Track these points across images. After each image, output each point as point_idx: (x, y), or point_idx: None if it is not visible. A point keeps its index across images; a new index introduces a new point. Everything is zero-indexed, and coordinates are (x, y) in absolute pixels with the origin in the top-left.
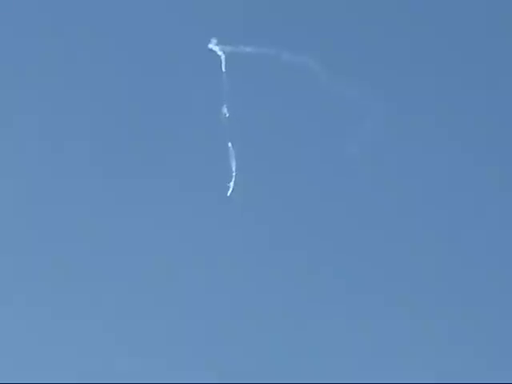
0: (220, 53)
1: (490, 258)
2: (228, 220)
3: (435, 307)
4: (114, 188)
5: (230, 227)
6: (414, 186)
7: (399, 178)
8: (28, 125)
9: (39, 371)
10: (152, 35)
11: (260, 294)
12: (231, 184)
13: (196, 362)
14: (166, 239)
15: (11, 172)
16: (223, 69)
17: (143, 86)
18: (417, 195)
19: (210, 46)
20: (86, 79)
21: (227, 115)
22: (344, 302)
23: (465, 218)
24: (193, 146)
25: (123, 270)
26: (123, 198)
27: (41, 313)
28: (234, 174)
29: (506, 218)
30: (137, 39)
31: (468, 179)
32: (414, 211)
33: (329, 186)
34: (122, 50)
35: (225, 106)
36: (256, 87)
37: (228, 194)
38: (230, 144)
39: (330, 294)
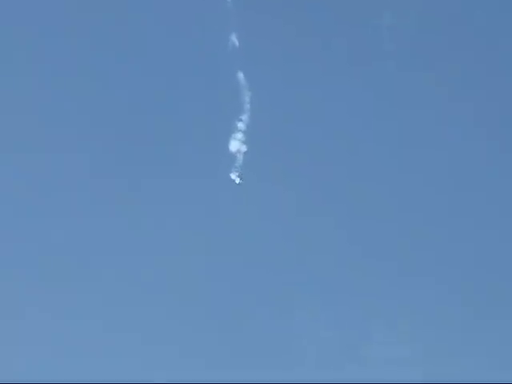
0: None
1: None
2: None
3: None
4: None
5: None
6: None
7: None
8: (30, 124)
9: (39, 371)
10: None
11: None
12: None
13: (198, 361)
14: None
15: (12, 172)
16: None
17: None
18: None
19: None
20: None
21: (237, 44)
22: None
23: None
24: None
25: (126, 269)
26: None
27: (41, 313)
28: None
29: None
30: None
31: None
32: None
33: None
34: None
35: (234, 34)
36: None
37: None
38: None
39: None
